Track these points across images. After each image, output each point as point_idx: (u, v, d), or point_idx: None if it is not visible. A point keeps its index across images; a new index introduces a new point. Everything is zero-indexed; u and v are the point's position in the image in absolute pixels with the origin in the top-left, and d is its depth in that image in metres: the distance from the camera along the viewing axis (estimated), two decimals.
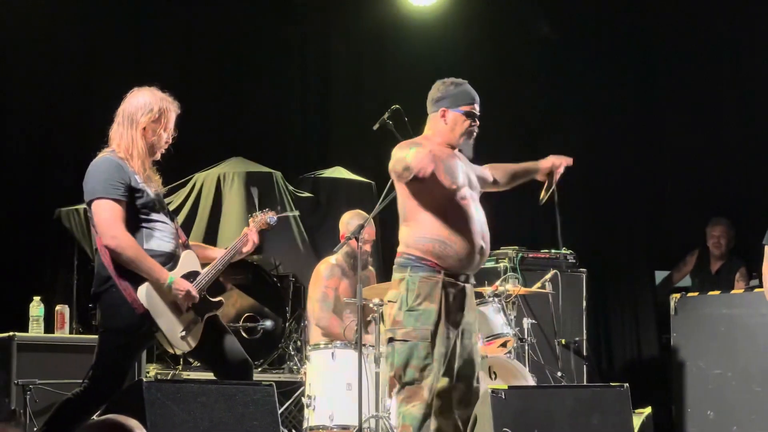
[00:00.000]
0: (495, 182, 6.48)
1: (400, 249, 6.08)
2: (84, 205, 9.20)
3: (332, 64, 10.92)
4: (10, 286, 8.57)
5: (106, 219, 5.72)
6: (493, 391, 6.52)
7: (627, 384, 7.05)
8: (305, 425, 7.71)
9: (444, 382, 5.96)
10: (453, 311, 5.95)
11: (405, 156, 5.78)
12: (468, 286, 6.08)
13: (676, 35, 11.04)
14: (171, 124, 5.96)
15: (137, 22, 10.27)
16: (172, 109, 5.98)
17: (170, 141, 5.98)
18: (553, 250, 9.52)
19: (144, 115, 5.88)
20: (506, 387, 6.68)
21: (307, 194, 9.79)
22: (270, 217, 6.41)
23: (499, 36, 10.91)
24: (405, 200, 6.08)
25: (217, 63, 10.41)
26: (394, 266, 6.09)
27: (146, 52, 10.20)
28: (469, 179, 6.15)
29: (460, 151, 6.22)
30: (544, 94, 11.16)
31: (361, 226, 7.22)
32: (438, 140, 6.14)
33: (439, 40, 10.80)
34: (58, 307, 8.36)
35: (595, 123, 11.17)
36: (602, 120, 11.20)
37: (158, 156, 5.98)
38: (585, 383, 9.15)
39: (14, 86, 9.85)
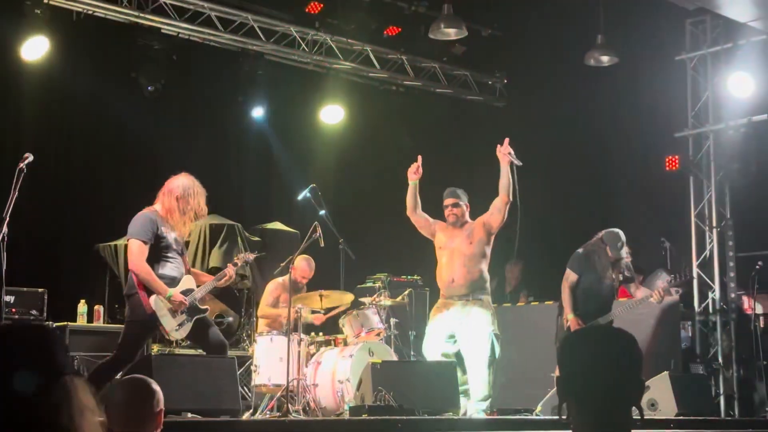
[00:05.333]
0: None
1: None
2: (114, 242, 9.11)
3: (273, 157, 10.84)
4: (65, 292, 8.40)
5: (134, 253, 5.80)
6: (372, 363, 6.59)
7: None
8: (252, 383, 7.66)
9: None
10: None
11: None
12: None
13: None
14: (198, 202, 5.95)
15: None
16: (200, 192, 5.98)
17: (200, 211, 5.98)
18: (408, 276, 9.58)
19: (181, 192, 5.90)
20: (380, 361, 6.73)
21: (256, 238, 9.72)
22: (248, 258, 6.58)
23: (376, 144, 10.94)
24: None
25: (206, 150, 10.20)
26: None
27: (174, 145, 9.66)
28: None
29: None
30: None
31: (291, 260, 7.29)
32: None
33: (342, 146, 10.79)
34: (96, 307, 8.31)
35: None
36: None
37: (192, 217, 5.96)
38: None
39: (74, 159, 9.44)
